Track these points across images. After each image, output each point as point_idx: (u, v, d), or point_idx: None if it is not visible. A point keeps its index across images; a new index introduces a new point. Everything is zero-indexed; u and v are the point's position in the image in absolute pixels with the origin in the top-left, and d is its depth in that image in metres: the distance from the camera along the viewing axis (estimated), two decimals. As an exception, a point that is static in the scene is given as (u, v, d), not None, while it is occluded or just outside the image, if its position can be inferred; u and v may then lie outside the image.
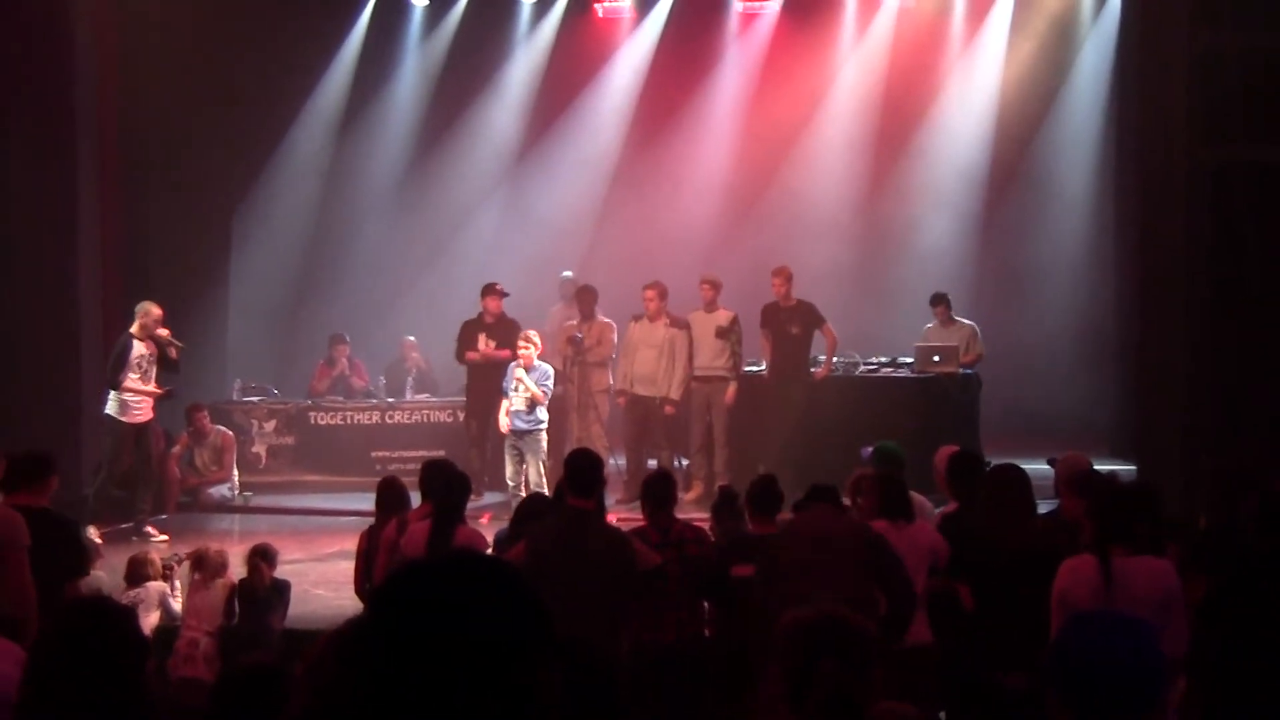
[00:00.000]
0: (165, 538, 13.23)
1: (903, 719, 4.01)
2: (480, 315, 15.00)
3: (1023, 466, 7.65)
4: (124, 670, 3.83)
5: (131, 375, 13.39)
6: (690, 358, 14.62)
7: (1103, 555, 5.99)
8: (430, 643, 1.95)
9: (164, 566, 9.48)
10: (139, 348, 13.46)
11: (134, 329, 13.55)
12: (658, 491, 8.12)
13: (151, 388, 13.54)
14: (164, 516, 14.43)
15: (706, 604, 8.06)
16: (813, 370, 14.58)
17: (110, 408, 13.45)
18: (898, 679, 5.83)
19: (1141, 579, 5.97)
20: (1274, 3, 12.38)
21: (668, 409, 14.61)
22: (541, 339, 13.75)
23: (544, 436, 13.37)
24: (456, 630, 1.96)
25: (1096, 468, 8.25)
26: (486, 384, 14.27)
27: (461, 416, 15.46)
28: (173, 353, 13.59)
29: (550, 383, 13.43)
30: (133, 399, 13.42)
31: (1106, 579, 5.93)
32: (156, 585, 9.30)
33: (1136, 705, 3.16)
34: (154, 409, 13.70)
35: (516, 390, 13.23)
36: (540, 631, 2.05)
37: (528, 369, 13.24)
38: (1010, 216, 18.39)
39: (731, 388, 14.61)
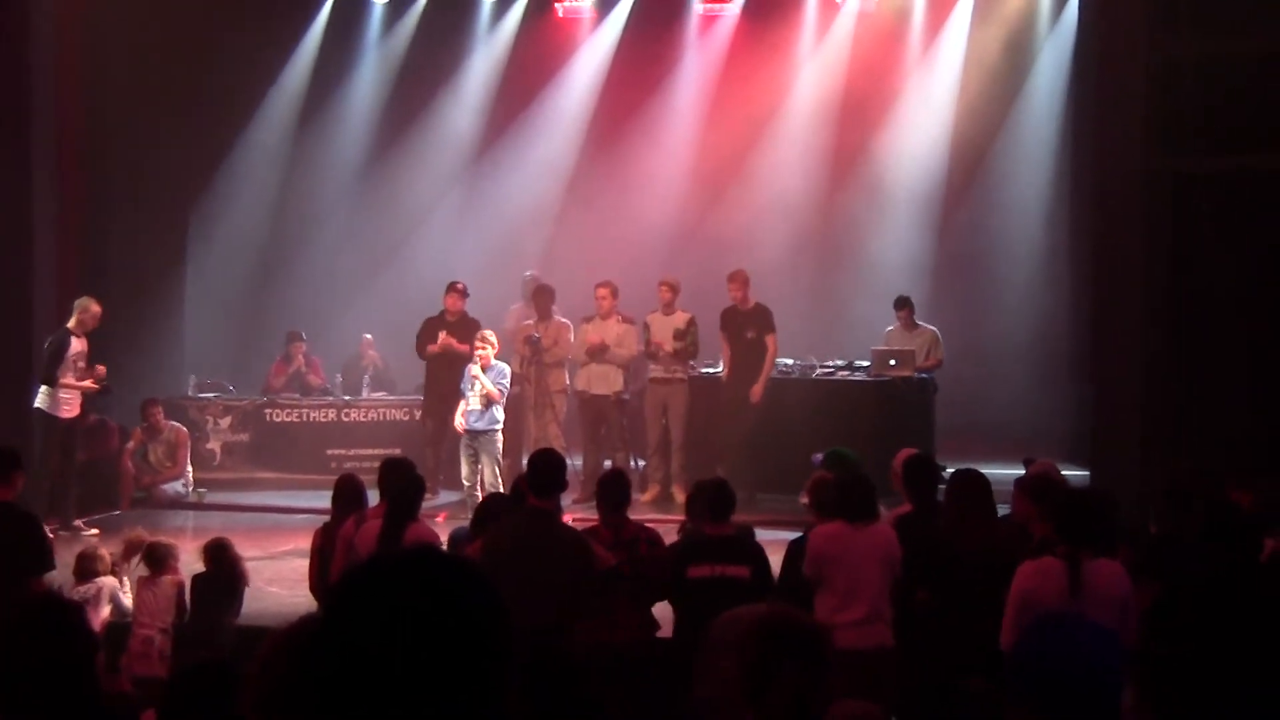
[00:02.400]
0: (96, 532, 13.12)
1: (865, 717, 4.00)
2: (441, 313, 14.94)
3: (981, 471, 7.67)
4: (72, 667, 3.77)
5: (67, 372, 13.26)
6: (643, 353, 14.60)
7: (1073, 559, 6.03)
8: (388, 640, 1.91)
9: (114, 561, 9.37)
10: (75, 344, 13.31)
11: (71, 324, 13.38)
12: (612, 492, 8.13)
13: (87, 384, 13.40)
14: (117, 512, 14.32)
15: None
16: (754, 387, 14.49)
17: (41, 402, 13.26)
18: (859, 682, 5.84)
19: (1103, 581, 6.02)
20: (1233, 11, 12.41)
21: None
22: (499, 338, 13.70)
23: (499, 437, 13.33)
24: (415, 628, 1.92)
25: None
26: (444, 383, 14.24)
27: (418, 415, 15.39)
28: (96, 387, 13.52)
29: (506, 382, 13.39)
30: (65, 395, 13.27)
31: (1075, 582, 5.97)
32: (107, 581, 9.19)
33: (1101, 709, 3.14)
34: (84, 405, 13.56)
35: (472, 389, 13.17)
36: (499, 630, 2.01)
37: (484, 369, 13.19)
38: (968, 222, 18.44)
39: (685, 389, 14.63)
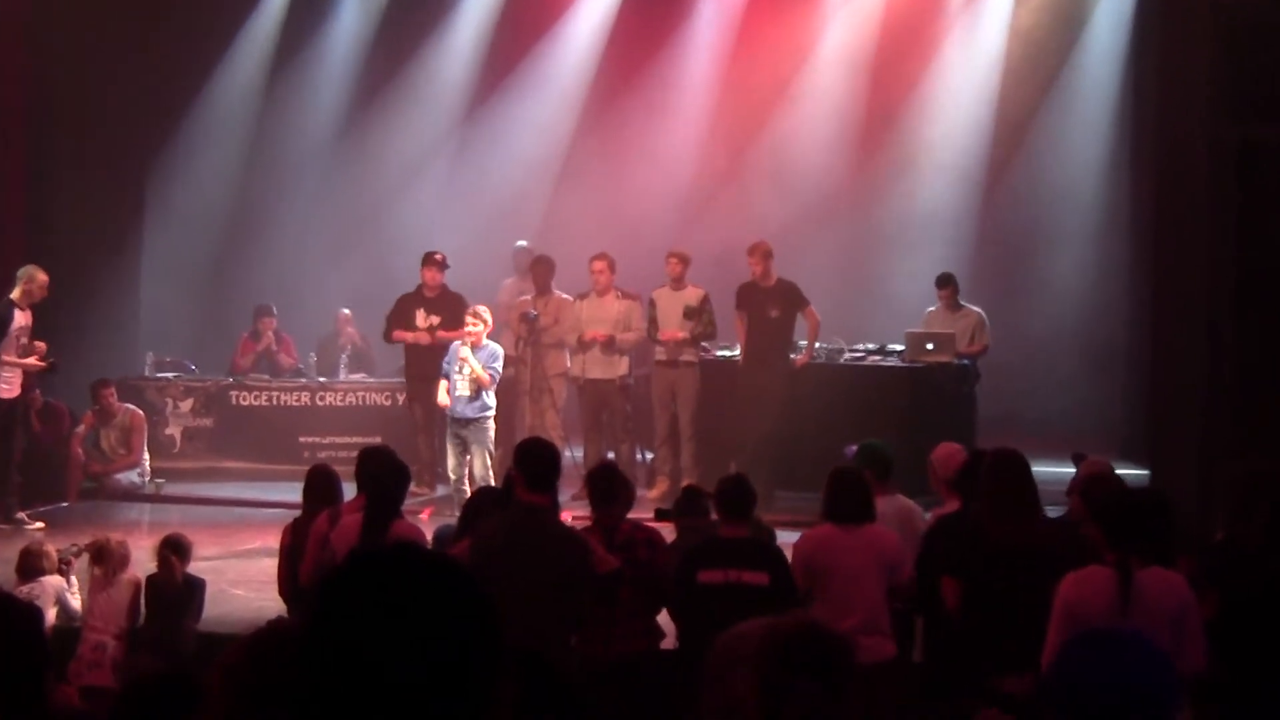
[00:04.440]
0: (41, 525, 13.14)
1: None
2: (419, 288, 14.91)
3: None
4: (21, 677, 3.78)
5: (10, 349, 13.25)
6: (649, 333, 14.61)
7: (1123, 568, 6.02)
8: (372, 649, 1.92)
9: (61, 560, 9.39)
10: (20, 317, 13.30)
11: (15, 295, 13.36)
12: (602, 485, 8.13)
13: (31, 361, 13.41)
14: (65, 505, 14.35)
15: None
16: (792, 358, 14.56)
17: None
18: (859, 696, 5.84)
19: (1156, 592, 6.01)
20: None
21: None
22: (491, 315, 13.68)
23: (491, 425, 13.31)
24: (399, 634, 1.93)
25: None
26: (430, 364, 14.15)
27: (402, 399, 15.40)
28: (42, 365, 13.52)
29: (499, 365, 13.37)
30: (6, 373, 13.27)
31: (1125, 594, 5.97)
32: (52, 580, 9.20)
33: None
34: (25, 385, 13.55)
35: (460, 372, 13.15)
36: (490, 637, 2.02)
37: (475, 348, 13.17)
38: (1013, 195, 18.40)
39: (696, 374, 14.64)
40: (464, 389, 13.14)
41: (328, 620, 1.97)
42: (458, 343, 13.30)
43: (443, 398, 13.29)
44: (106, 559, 9.00)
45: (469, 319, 13.29)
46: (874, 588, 7.40)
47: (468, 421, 13.18)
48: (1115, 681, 3.13)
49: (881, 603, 7.42)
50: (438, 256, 14.85)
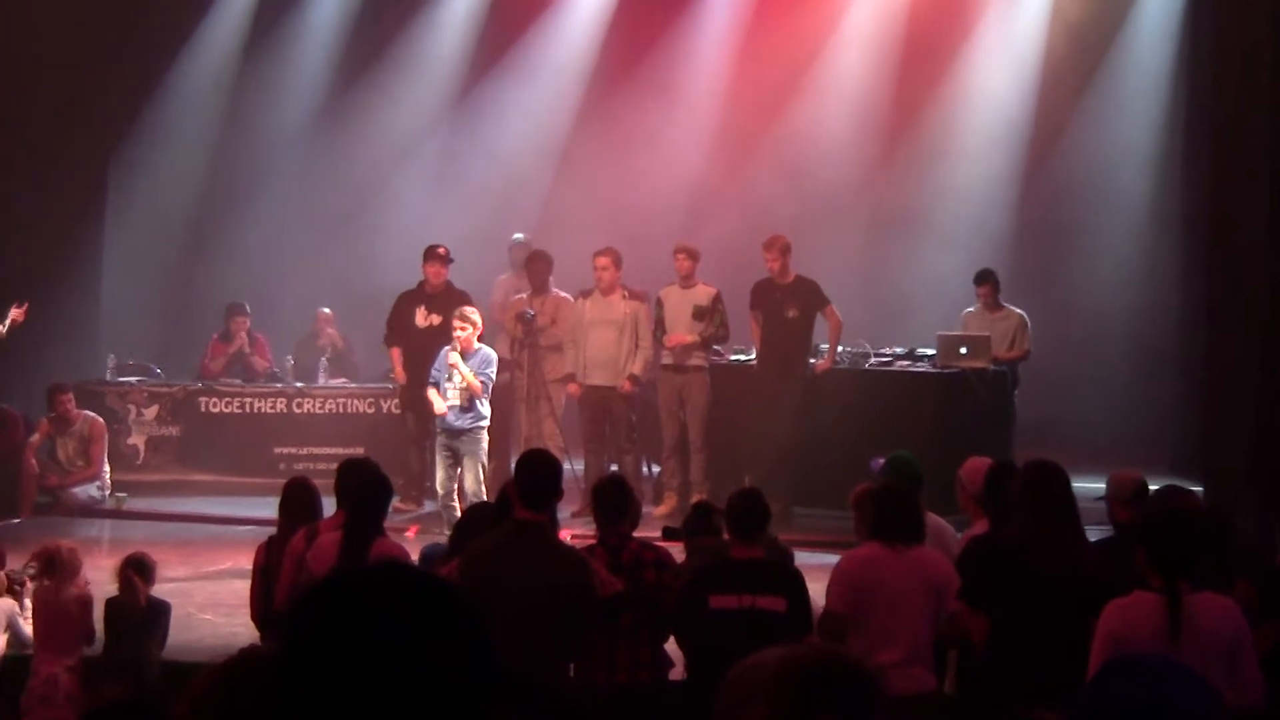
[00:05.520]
0: None
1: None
2: (420, 285, 14.90)
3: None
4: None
5: None
6: (656, 336, 14.60)
7: (1172, 594, 6.00)
8: (353, 677, 1.90)
9: (13, 581, 9.37)
10: None
11: None
12: (609, 500, 8.11)
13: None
14: (17, 520, 14.33)
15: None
16: (812, 362, 14.56)
17: None
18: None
19: (1208, 621, 5.99)
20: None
21: (625, 386, 14.55)
22: (484, 315, 13.64)
23: (485, 436, 13.27)
24: (385, 662, 1.92)
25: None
26: (425, 367, 14.11)
27: (386, 407, 15.39)
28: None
29: (492, 370, 13.32)
30: None
31: (1174, 623, 5.95)
32: (3, 604, 9.19)
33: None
34: None
35: (451, 379, 13.12)
36: (483, 665, 2.01)
37: (465, 354, 13.14)
38: (1056, 183, 18.37)
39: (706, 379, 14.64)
40: (455, 398, 13.10)
41: (305, 646, 1.96)
42: (446, 348, 13.26)
43: (439, 405, 13.24)
44: (56, 569, 8.92)
45: (456, 322, 13.21)
46: (920, 616, 7.34)
47: (460, 433, 13.14)
48: (1153, 712, 3.11)
49: (928, 634, 7.37)
50: (440, 250, 14.84)
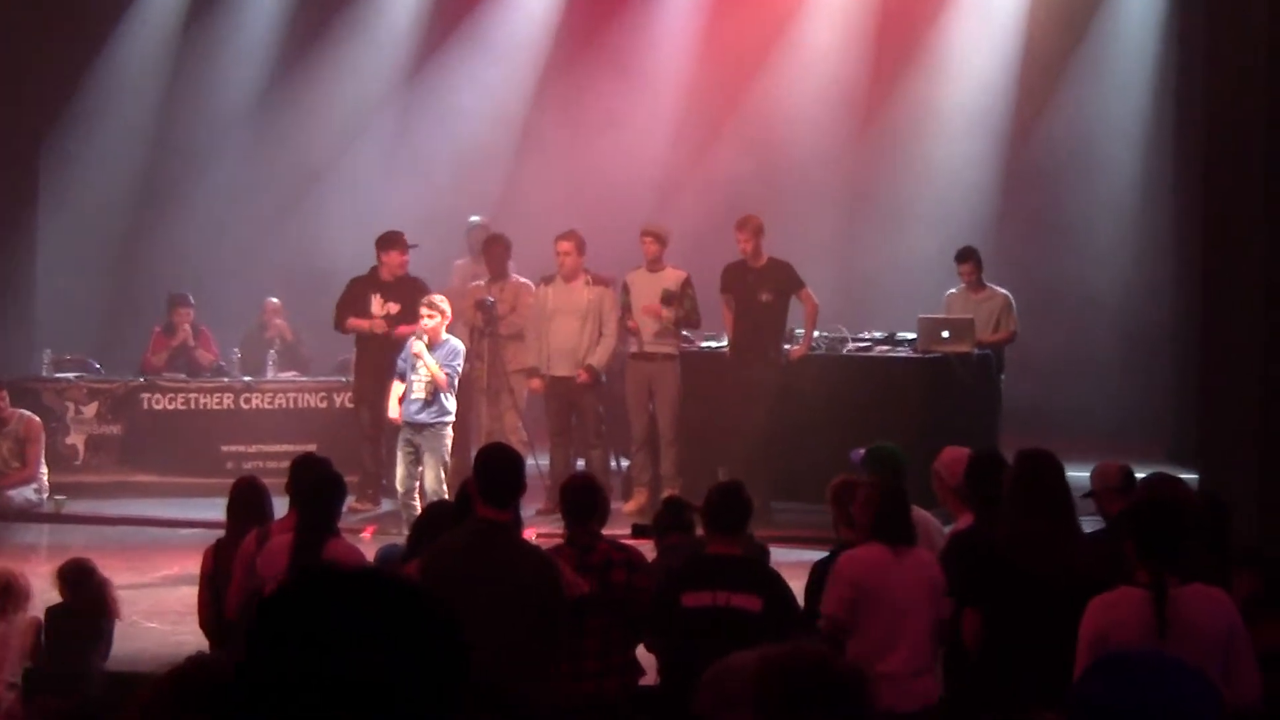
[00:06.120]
0: None
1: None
2: (374, 270, 14.85)
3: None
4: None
5: None
6: (622, 322, 14.58)
7: (1157, 588, 6.00)
8: (316, 684, 1.89)
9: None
10: None
11: None
12: (578, 500, 8.12)
13: None
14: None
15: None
16: (787, 348, 14.57)
17: None
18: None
19: (1198, 614, 6.00)
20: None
21: (580, 376, 14.53)
22: (450, 306, 13.60)
23: (449, 432, 13.26)
24: (350, 668, 1.90)
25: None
26: (385, 360, 14.09)
27: (340, 400, 15.35)
28: None
29: (459, 363, 13.31)
30: None
31: (1160, 618, 5.95)
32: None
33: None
34: None
35: (416, 370, 13.10)
36: (456, 669, 1.99)
37: (432, 344, 13.11)
38: (1038, 164, 18.44)
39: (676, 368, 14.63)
40: (419, 391, 13.07)
41: (264, 652, 1.94)
42: (412, 338, 13.22)
43: (392, 409, 13.22)
44: (8, 596, 8.89)
45: (424, 310, 13.19)
46: (923, 621, 7.35)
47: (422, 427, 13.12)
48: (1145, 709, 3.10)
49: (930, 639, 7.38)
50: (402, 238, 14.82)
